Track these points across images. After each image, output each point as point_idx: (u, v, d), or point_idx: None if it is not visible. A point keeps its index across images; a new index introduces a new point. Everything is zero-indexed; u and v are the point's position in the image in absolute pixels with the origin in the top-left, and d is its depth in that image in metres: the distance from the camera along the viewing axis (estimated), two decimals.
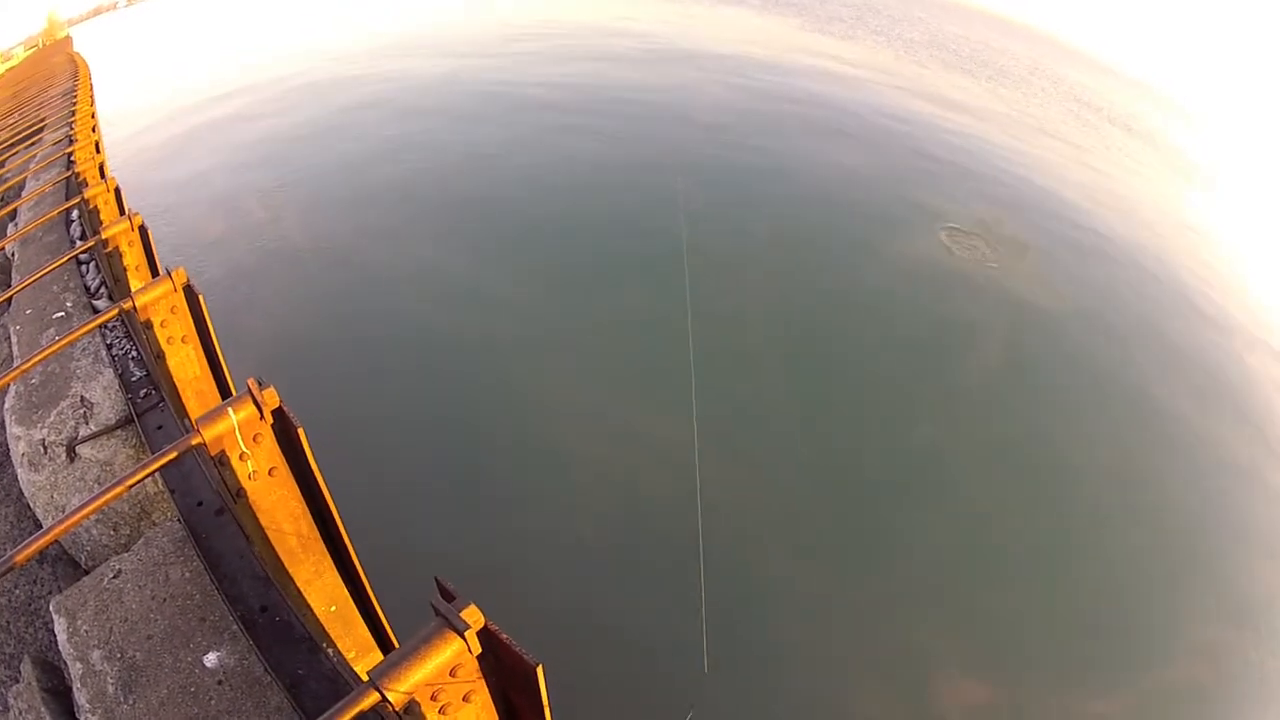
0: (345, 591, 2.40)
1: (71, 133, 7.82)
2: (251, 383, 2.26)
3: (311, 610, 2.30)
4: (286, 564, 2.25)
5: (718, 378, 9.13)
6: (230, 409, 2.21)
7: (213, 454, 2.23)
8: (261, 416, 2.20)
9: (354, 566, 2.32)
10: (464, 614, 1.50)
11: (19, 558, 1.91)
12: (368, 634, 2.51)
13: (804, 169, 16.45)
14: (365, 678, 1.53)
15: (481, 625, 1.50)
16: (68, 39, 40.00)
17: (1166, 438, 10.77)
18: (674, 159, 15.55)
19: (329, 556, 2.33)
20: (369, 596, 2.46)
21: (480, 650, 1.52)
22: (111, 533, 3.07)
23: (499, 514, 7.71)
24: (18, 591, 3.35)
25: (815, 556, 7.77)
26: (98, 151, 6.78)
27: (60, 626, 2.38)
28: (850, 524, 8.18)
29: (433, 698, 1.54)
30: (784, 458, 8.79)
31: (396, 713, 1.53)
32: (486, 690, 1.59)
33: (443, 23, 33.69)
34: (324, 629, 2.35)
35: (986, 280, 13.06)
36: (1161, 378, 11.95)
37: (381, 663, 1.52)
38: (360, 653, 2.48)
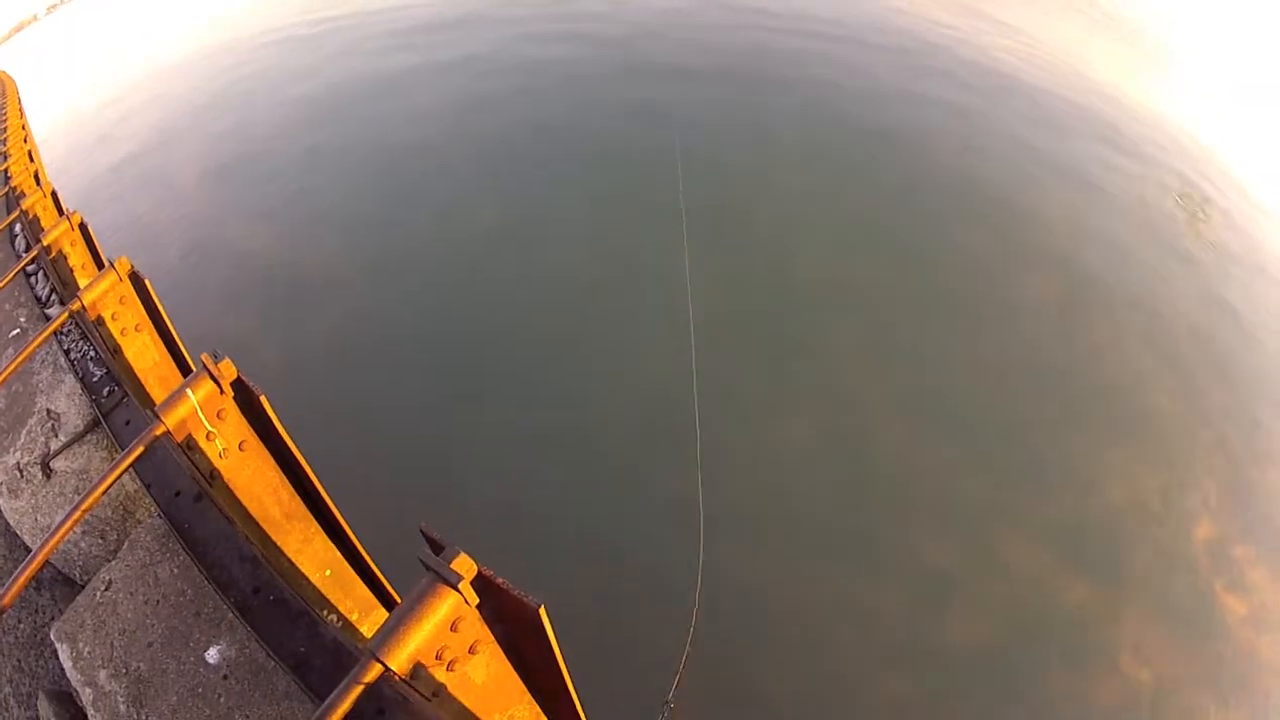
0: (338, 554, 2.32)
1: (4, 149, 7.47)
2: (206, 358, 2.12)
3: (306, 579, 2.22)
4: (273, 536, 2.15)
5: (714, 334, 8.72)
6: (189, 389, 2.09)
7: (179, 439, 2.11)
8: (222, 391, 2.07)
9: (341, 528, 2.23)
10: (455, 564, 1.37)
11: (6, 599, 1.77)
12: (368, 592, 2.44)
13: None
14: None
15: (475, 573, 1.37)
16: None
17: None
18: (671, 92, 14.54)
19: (315, 521, 2.24)
20: (362, 555, 2.37)
21: (478, 600, 1.39)
22: (100, 541, 2.95)
23: (485, 455, 7.41)
24: (22, 626, 3.26)
25: (810, 489, 7.48)
26: (31, 160, 6.47)
27: (64, 654, 2.32)
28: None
29: (438, 656, 1.43)
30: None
31: (404, 680, 1.42)
32: (492, 638, 1.48)
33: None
34: (323, 595, 2.26)
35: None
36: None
37: (378, 632, 1.41)
38: (364, 613, 2.40)
